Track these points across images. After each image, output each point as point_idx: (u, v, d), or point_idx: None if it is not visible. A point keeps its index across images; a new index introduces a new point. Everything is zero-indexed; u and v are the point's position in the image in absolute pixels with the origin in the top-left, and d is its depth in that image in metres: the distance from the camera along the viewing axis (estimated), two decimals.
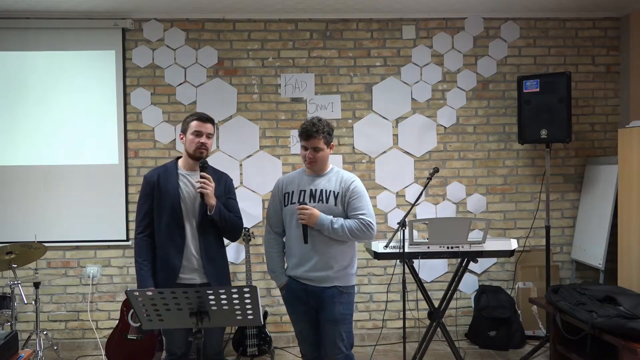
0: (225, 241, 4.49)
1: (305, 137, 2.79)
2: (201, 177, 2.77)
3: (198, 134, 2.84)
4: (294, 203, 2.84)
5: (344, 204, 2.83)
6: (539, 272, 4.59)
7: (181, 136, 2.91)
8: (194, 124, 2.85)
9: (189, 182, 2.85)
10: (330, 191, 2.84)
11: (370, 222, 2.80)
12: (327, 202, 2.83)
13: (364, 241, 2.86)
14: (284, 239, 2.97)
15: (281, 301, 4.56)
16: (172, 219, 2.81)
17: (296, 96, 4.61)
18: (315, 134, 2.77)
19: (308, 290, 2.83)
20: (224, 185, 2.94)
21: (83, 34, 4.47)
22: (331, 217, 2.77)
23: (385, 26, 4.64)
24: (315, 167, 2.87)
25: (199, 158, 2.84)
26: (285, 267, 2.97)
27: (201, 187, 2.74)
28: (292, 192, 2.88)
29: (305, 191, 2.86)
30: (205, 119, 2.88)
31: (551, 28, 4.71)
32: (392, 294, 4.51)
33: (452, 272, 3.98)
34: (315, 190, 2.85)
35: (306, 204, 2.79)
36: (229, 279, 3.00)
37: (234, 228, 2.93)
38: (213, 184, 2.78)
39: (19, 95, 4.46)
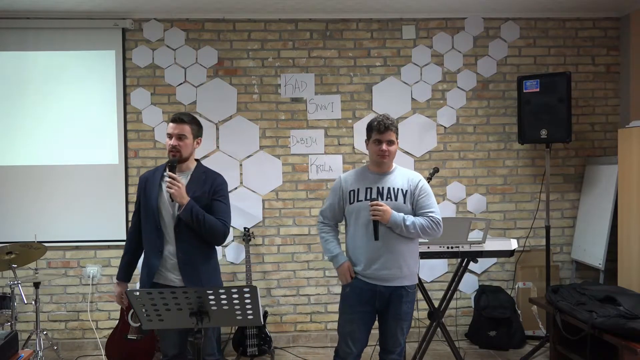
0: (226, 240, 4.53)
1: (383, 129, 2.79)
2: (168, 176, 2.75)
3: (169, 136, 2.83)
4: (361, 200, 2.82)
5: (413, 201, 2.84)
6: (539, 272, 4.59)
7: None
8: (168, 126, 2.85)
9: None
10: (398, 189, 2.84)
11: (439, 220, 2.83)
12: (396, 199, 2.82)
13: (431, 238, 2.87)
14: (347, 238, 2.94)
15: (281, 301, 4.62)
16: (152, 220, 2.82)
17: (296, 96, 4.61)
18: (391, 126, 2.81)
19: (376, 291, 2.81)
20: (211, 186, 2.86)
21: (83, 34, 4.47)
22: (402, 214, 2.78)
23: (385, 26, 4.64)
24: (389, 160, 2.86)
25: (172, 159, 2.81)
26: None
27: (167, 187, 2.72)
28: (358, 189, 2.86)
29: (371, 189, 2.84)
30: (176, 119, 2.83)
31: (551, 28, 4.71)
32: None
33: (452, 272, 3.98)
34: (383, 187, 2.84)
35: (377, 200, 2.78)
36: (217, 279, 2.92)
37: (210, 230, 2.76)
38: (180, 184, 2.72)
39: (19, 95, 4.46)
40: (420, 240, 3.62)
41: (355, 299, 2.85)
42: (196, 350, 2.24)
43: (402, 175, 2.90)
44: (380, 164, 2.87)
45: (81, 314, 4.54)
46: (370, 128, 2.86)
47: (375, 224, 2.75)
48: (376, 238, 2.76)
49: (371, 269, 2.80)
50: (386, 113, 2.94)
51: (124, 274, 2.96)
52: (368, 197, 2.81)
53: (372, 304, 2.84)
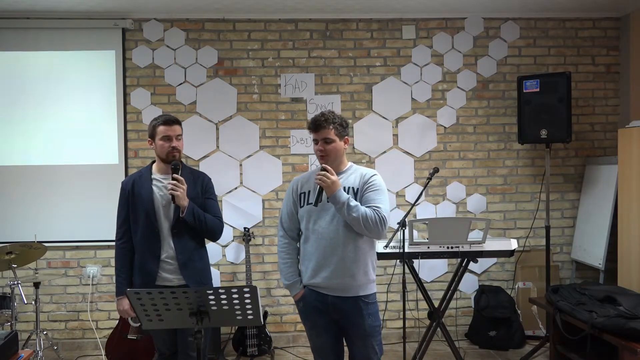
0: (226, 240, 4.53)
1: (314, 128, 2.60)
2: (172, 178, 2.75)
3: (167, 138, 2.81)
4: (311, 203, 2.60)
5: (361, 197, 2.60)
6: (539, 272, 4.59)
7: (150, 142, 2.88)
8: (161, 129, 2.81)
9: (163, 186, 2.82)
10: (349, 187, 2.62)
11: (385, 217, 2.54)
12: None
13: (372, 236, 2.59)
14: (299, 244, 2.76)
15: (281, 301, 4.61)
16: (146, 223, 2.81)
17: (296, 96, 4.61)
18: (325, 124, 2.58)
19: (328, 302, 2.60)
20: (201, 186, 2.90)
21: (83, 34, 4.47)
22: (350, 196, 2.54)
23: (385, 26, 4.64)
24: (328, 161, 2.60)
25: (172, 161, 2.81)
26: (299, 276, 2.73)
27: (171, 189, 2.72)
28: (309, 191, 2.67)
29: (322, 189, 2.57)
30: (171, 121, 2.83)
31: (551, 28, 4.71)
32: (392, 294, 4.51)
33: (452, 272, 3.98)
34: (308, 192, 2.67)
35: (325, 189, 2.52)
36: (209, 279, 2.95)
37: (211, 229, 2.85)
38: (185, 186, 2.74)
39: (18, 95, 4.46)
40: (421, 240, 3.64)
41: (312, 311, 2.65)
42: (197, 350, 2.24)
43: (356, 173, 2.68)
44: (325, 164, 2.60)
45: (81, 314, 4.54)
46: (307, 128, 2.68)
47: (320, 190, 2.53)
48: (316, 204, 2.55)
49: (320, 277, 2.59)
50: (327, 110, 2.70)
51: (128, 288, 2.85)
52: (320, 200, 2.58)
53: (329, 315, 2.63)
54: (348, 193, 2.59)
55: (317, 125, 2.60)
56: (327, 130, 2.59)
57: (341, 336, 2.71)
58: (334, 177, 2.52)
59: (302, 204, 2.69)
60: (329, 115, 2.62)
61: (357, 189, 2.62)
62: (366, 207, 2.55)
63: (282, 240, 2.76)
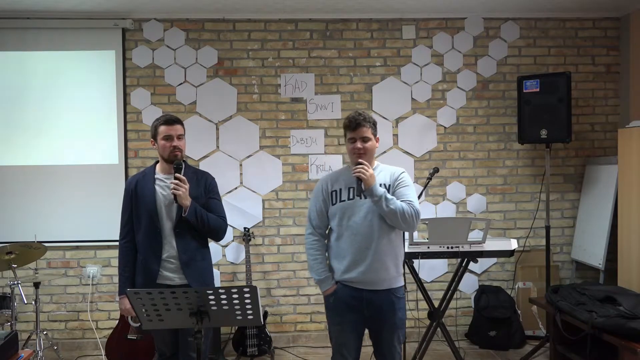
0: (226, 240, 4.53)
1: (354, 126, 2.66)
2: (175, 178, 2.75)
3: (168, 138, 2.81)
4: (344, 200, 2.69)
5: (393, 193, 2.69)
6: (539, 272, 4.59)
7: (152, 142, 2.90)
8: (162, 129, 2.83)
9: (166, 185, 2.83)
10: (381, 184, 2.68)
11: (419, 210, 2.65)
12: None
13: (406, 229, 2.68)
14: (329, 242, 2.81)
15: (281, 301, 4.62)
16: (149, 223, 2.82)
17: (296, 96, 4.61)
18: (363, 122, 2.66)
19: (363, 296, 2.67)
20: (204, 185, 2.91)
21: (83, 34, 4.47)
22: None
23: (385, 26, 4.64)
24: (366, 158, 2.67)
25: (174, 161, 2.82)
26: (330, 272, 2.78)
27: (174, 189, 2.72)
28: (340, 189, 2.73)
29: (353, 188, 2.67)
30: (172, 121, 2.85)
31: (551, 28, 4.71)
32: None
33: (452, 272, 3.98)
34: (354, 188, 2.69)
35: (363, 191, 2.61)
36: (211, 279, 2.96)
37: (214, 228, 2.85)
38: (187, 185, 2.75)
39: (18, 95, 4.46)
40: (421, 240, 3.64)
41: (343, 307, 2.71)
42: (197, 350, 2.24)
43: (385, 171, 2.77)
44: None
45: (81, 314, 4.54)
46: (344, 127, 2.74)
47: (359, 182, 2.60)
48: (360, 196, 2.62)
49: (356, 272, 2.66)
50: (359, 109, 2.77)
51: (131, 287, 2.85)
52: (351, 197, 2.69)
53: (361, 312, 2.70)
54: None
55: (357, 124, 2.66)
56: (366, 128, 2.67)
57: (363, 333, 2.78)
58: (371, 171, 2.61)
59: (334, 202, 2.75)
60: (365, 115, 2.70)
61: (389, 185, 2.71)
62: (400, 201, 2.65)
63: (311, 237, 2.81)
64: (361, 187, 2.60)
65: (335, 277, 2.74)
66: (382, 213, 2.62)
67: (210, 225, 2.83)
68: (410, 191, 2.72)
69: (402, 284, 2.78)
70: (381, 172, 2.77)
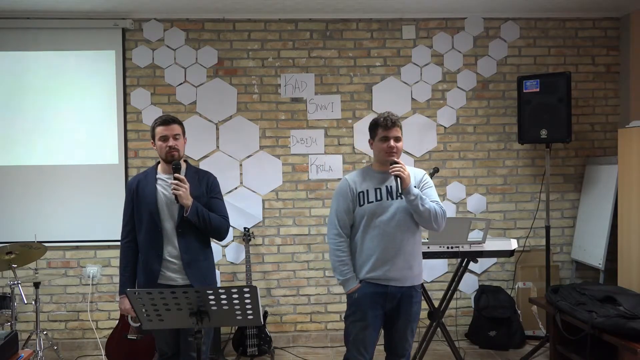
0: (226, 240, 4.53)
1: (389, 125, 2.73)
2: (174, 178, 2.75)
3: (164, 138, 2.81)
4: (372, 202, 2.75)
5: None
6: (539, 272, 4.59)
7: (152, 143, 2.90)
8: (159, 130, 2.83)
9: (168, 185, 2.82)
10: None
11: (446, 211, 2.78)
12: None
13: (434, 228, 2.75)
14: (353, 241, 2.86)
15: (281, 301, 4.61)
16: (150, 223, 2.82)
17: (296, 96, 4.61)
18: (398, 122, 2.76)
19: (388, 292, 2.75)
20: (206, 185, 2.91)
21: (83, 34, 4.47)
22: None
23: (385, 26, 4.64)
24: (397, 157, 2.74)
25: (172, 161, 2.82)
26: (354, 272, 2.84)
27: (174, 189, 2.72)
28: (367, 190, 2.78)
29: (380, 189, 2.77)
30: (168, 121, 2.84)
31: (551, 28, 4.71)
32: None
33: (452, 272, 3.99)
34: (391, 187, 2.77)
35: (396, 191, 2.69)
36: (213, 279, 2.96)
37: (216, 228, 2.86)
38: (187, 185, 2.75)
39: (19, 95, 4.46)
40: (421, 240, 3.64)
41: (367, 304, 2.76)
42: (197, 350, 2.24)
43: (409, 172, 2.79)
44: (387, 162, 2.74)
45: (81, 314, 4.54)
46: (375, 126, 2.80)
47: (398, 180, 2.65)
48: (398, 195, 2.68)
49: (382, 270, 2.74)
50: (389, 110, 2.86)
51: (131, 287, 2.88)
52: (379, 198, 2.75)
53: (382, 307, 2.77)
54: None
55: (393, 122, 2.74)
56: (398, 128, 2.77)
57: (381, 329, 2.85)
58: (408, 171, 2.70)
59: (361, 203, 2.79)
60: (397, 115, 2.80)
61: (415, 186, 2.77)
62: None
63: (337, 238, 2.84)
64: (399, 187, 2.65)
65: (359, 276, 2.80)
66: (416, 212, 2.70)
67: (213, 225, 2.83)
68: (435, 192, 2.83)
69: (422, 281, 2.89)
70: None
